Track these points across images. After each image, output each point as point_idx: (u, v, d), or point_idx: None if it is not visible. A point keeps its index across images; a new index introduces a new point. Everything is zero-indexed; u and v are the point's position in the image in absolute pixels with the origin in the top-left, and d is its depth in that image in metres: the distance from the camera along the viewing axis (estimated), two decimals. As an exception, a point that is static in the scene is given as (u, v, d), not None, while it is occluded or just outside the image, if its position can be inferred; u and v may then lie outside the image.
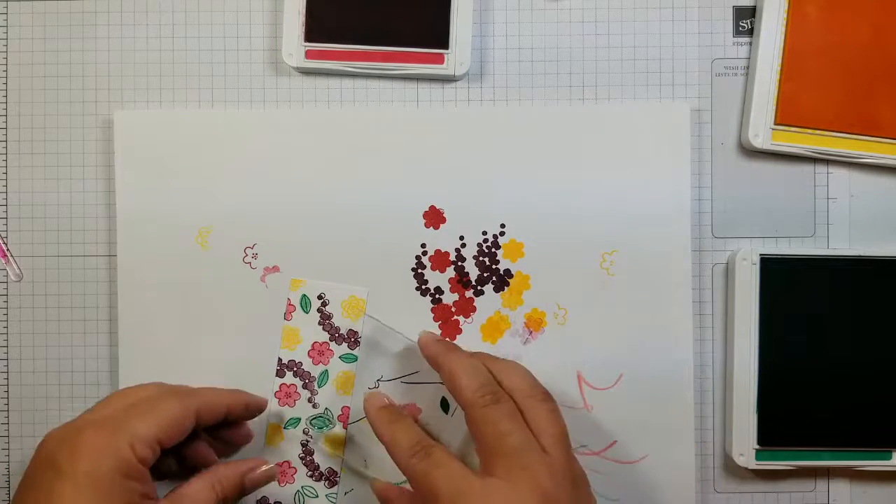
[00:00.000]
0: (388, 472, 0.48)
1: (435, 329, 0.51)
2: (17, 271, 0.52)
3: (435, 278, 0.51)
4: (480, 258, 0.51)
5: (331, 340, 0.51)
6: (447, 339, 0.49)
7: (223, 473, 0.45)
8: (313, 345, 0.51)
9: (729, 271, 0.51)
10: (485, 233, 0.51)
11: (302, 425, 0.51)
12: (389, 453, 0.45)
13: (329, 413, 0.51)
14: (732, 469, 0.51)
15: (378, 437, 0.46)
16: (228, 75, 0.52)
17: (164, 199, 0.51)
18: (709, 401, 0.51)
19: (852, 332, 0.50)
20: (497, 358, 0.47)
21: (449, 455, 0.43)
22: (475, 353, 0.48)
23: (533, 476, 0.41)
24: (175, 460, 0.47)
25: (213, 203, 0.51)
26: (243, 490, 0.46)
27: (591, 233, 0.51)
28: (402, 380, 0.51)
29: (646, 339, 0.50)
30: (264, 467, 0.47)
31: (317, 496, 0.51)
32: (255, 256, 0.51)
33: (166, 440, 0.43)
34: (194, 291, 0.51)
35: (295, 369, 0.51)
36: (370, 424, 0.47)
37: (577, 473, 0.43)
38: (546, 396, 0.45)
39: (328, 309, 0.51)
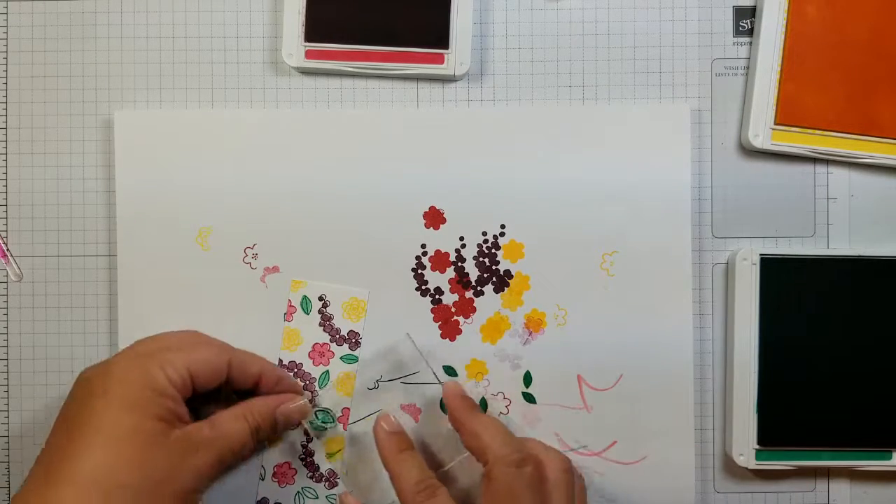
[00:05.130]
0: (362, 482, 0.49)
1: (435, 329, 0.51)
2: (17, 271, 0.52)
3: (435, 279, 0.51)
4: (480, 259, 0.51)
5: (331, 342, 0.51)
6: (468, 396, 0.49)
7: (255, 405, 0.46)
8: (314, 346, 0.51)
9: (729, 271, 0.51)
10: (485, 233, 0.51)
11: (302, 425, 0.51)
12: (393, 484, 0.46)
13: (329, 414, 0.51)
14: (732, 469, 0.51)
15: (384, 463, 0.47)
16: (228, 75, 0.52)
17: (164, 199, 0.51)
18: (709, 401, 0.52)
19: (852, 332, 0.50)
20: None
21: (451, 500, 0.44)
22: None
23: None
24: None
25: (213, 203, 0.51)
26: (276, 424, 0.47)
27: (591, 233, 0.51)
28: (402, 380, 0.51)
29: (646, 340, 0.50)
30: (298, 401, 0.48)
31: (317, 497, 0.51)
32: (255, 256, 0.51)
33: (197, 375, 0.43)
34: (194, 291, 0.51)
35: (295, 370, 0.51)
36: (378, 447, 0.47)
37: None
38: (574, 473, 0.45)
39: (329, 310, 0.51)
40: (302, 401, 0.48)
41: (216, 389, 0.46)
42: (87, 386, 0.43)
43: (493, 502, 0.43)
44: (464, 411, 0.47)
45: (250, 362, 0.47)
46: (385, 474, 0.47)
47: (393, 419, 0.48)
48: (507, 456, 0.44)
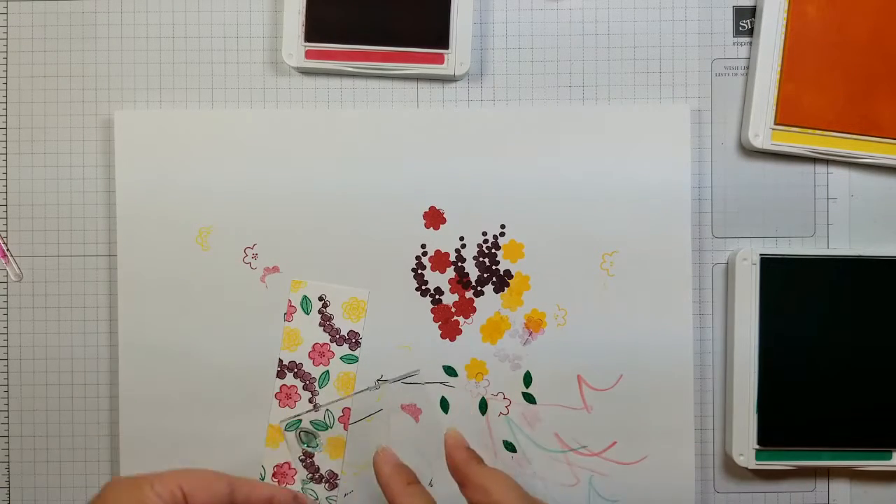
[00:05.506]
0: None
1: (435, 329, 0.51)
2: (17, 271, 0.52)
3: (435, 279, 0.51)
4: (480, 259, 0.51)
5: (331, 342, 0.51)
6: (471, 448, 0.48)
7: None
8: (314, 346, 0.51)
9: (729, 271, 0.51)
10: (485, 233, 0.51)
11: (303, 426, 0.51)
12: None
13: (330, 414, 0.51)
14: (732, 469, 0.51)
15: (390, 497, 0.45)
16: (228, 75, 0.52)
17: (164, 199, 0.51)
18: (709, 401, 0.52)
19: (852, 332, 0.50)
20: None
21: None
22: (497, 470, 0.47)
23: None
24: None
25: (213, 203, 0.51)
26: None
27: (591, 233, 0.51)
28: (402, 380, 0.51)
29: (646, 340, 0.50)
30: None
31: (317, 497, 0.51)
32: (255, 256, 0.51)
33: (190, 493, 0.42)
34: (194, 291, 0.51)
35: (296, 370, 0.51)
36: (382, 482, 0.46)
37: None
38: None
39: (329, 310, 0.51)
40: None
41: None
42: None
43: None
44: (469, 464, 0.46)
45: (257, 485, 0.45)
46: None
47: (393, 452, 0.48)
48: None
